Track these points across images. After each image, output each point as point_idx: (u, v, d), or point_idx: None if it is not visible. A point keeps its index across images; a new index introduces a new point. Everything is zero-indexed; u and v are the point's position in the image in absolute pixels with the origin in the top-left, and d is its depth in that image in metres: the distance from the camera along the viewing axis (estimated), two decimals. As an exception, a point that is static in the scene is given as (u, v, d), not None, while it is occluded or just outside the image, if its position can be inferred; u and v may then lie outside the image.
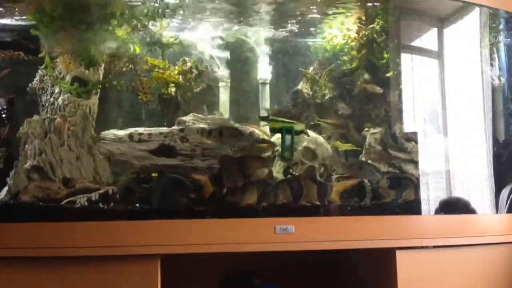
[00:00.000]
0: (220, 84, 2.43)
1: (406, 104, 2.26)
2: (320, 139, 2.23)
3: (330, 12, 2.40)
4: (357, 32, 2.43)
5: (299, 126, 2.03)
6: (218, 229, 1.67)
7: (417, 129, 2.22)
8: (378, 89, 2.35)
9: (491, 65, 2.37)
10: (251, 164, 1.92)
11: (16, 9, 2.10)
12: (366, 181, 2.03)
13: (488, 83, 2.28)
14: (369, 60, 2.40)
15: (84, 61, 2.05)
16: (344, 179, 2.03)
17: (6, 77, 2.14)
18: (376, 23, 2.39)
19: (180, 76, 2.28)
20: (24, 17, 2.12)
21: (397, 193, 2.01)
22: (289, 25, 2.43)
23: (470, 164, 2.21)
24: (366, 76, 2.41)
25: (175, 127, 2.12)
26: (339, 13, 2.41)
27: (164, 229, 1.64)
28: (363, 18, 2.40)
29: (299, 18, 2.41)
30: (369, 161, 2.17)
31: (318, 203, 1.85)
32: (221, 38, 2.37)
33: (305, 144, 2.16)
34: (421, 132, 2.21)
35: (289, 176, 2.04)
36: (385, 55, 2.38)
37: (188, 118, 2.15)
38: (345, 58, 2.46)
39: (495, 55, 2.42)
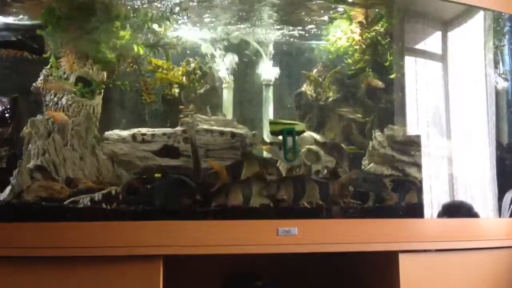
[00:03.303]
0: (224, 85, 2.43)
1: (409, 107, 2.25)
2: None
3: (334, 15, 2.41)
4: (361, 35, 2.42)
5: (299, 127, 2.01)
6: (221, 230, 1.66)
7: (421, 132, 2.21)
8: (381, 84, 2.36)
9: (495, 68, 2.37)
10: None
11: (21, 9, 2.11)
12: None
13: (492, 87, 2.28)
14: (375, 61, 2.40)
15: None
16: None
17: (9, 76, 2.14)
18: (380, 25, 2.39)
19: (184, 77, 2.29)
20: (28, 16, 2.13)
21: (400, 196, 2.00)
22: (294, 27, 2.43)
23: (473, 168, 2.20)
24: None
25: (178, 128, 2.12)
26: (343, 16, 2.41)
27: (167, 230, 1.63)
28: (368, 20, 2.40)
29: (304, 20, 2.41)
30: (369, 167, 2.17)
31: (321, 202, 1.84)
32: (225, 39, 2.37)
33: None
34: (425, 135, 2.21)
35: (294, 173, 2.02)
36: (389, 57, 2.37)
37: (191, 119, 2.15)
38: (349, 60, 2.46)
39: (499, 59, 2.42)
